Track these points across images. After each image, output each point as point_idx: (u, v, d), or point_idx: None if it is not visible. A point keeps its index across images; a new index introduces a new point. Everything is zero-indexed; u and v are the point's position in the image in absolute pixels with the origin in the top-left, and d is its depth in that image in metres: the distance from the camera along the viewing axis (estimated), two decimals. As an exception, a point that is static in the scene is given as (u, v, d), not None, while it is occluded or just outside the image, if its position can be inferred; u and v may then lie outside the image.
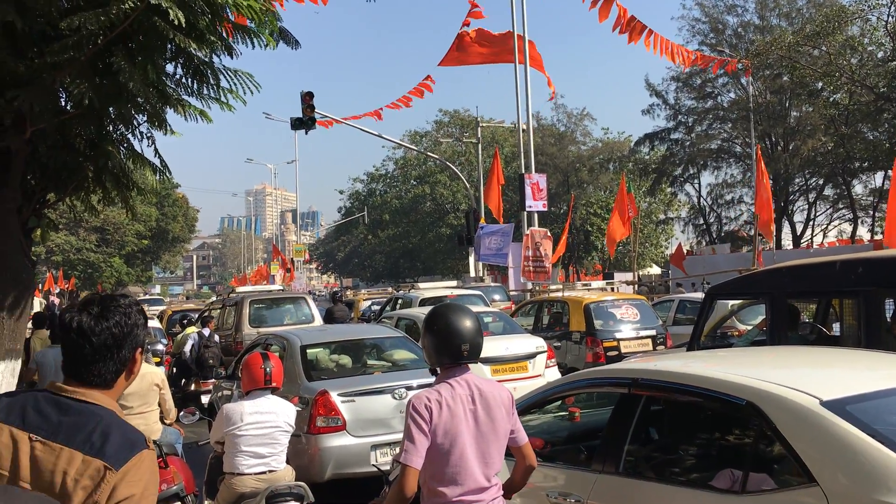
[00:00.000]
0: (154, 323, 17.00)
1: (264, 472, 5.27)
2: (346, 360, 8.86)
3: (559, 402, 5.09)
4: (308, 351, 8.65)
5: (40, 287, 49.51)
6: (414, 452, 3.16)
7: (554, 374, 10.87)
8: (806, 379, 3.59)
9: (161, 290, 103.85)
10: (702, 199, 47.19)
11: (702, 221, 47.28)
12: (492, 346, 10.55)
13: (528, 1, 23.88)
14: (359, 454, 7.46)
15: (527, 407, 4.58)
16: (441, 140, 53.76)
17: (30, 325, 15.51)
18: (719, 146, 43.84)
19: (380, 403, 7.67)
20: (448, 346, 3.34)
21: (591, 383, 4.46)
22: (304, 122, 24.50)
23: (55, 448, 1.99)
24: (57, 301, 49.86)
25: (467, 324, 3.37)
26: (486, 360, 10.26)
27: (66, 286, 56.47)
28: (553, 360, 10.98)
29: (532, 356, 10.66)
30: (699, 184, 47.13)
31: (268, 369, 5.38)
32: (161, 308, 33.25)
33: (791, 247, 41.31)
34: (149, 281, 78.70)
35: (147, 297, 59.40)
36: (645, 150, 48.29)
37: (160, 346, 15.51)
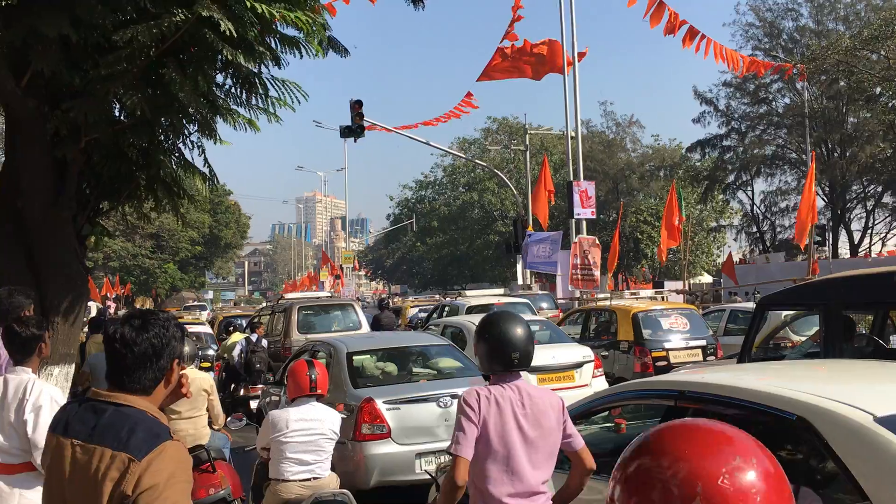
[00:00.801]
0: (205, 328, 17.29)
1: (309, 479, 5.31)
2: (391, 367, 8.88)
3: (606, 413, 5.02)
4: (354, 358, 8.70)
5: (98, 291, 50.83)
6: (465, 442, 3.22)
7: (601, 384, 10.75)
8: (859, 394, 3.47)
9: (214, 296, 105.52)
10: (755, 207, 46.33)
11: (755, 229, 46.39)
12: (538, 355, 10.33)
13: (577, 11, 23.78)
14: (404, 462, 7.46)
15: (573, 418, 4.53)
16: (489, 147, 53.72)
17: (85, 329, 15.92)
18: (773, 152, 42.98)
19: (425, 411, 7.67)
20: (499, 354, 3.39)
21: (636, 395, 4.39)
22: (354, 131, 24.72)
23: (90, 448, 2.14)
24: (113, 305, 51.14)
25: (518, 332, 3.44)
26: (533, 369, 10.18)
27: (123, 291, 57.86)
28: (600, 369, 10.86)
29: (579, 365, 10.57)
30: (752, 191, 46.31)
31: (313, 376, 5.42)
32: (205, 312, 34.22)
33: (848, 255, 40.26)
34: (202, 287, 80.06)
35: (196, 302, 60.94)
36: (696, 157, 47.58)
37: (210, 352, 15.75)
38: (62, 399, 4.05)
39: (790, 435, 3.61)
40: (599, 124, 54.62)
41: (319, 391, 5.47)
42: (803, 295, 7.03)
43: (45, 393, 3.91)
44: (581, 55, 24.33)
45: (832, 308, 6.25)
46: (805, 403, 3.30)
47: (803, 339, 9.10)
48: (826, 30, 38.80)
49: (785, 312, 8.51)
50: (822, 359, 5.94)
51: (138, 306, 57.24)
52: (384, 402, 7.67)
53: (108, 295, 51.63)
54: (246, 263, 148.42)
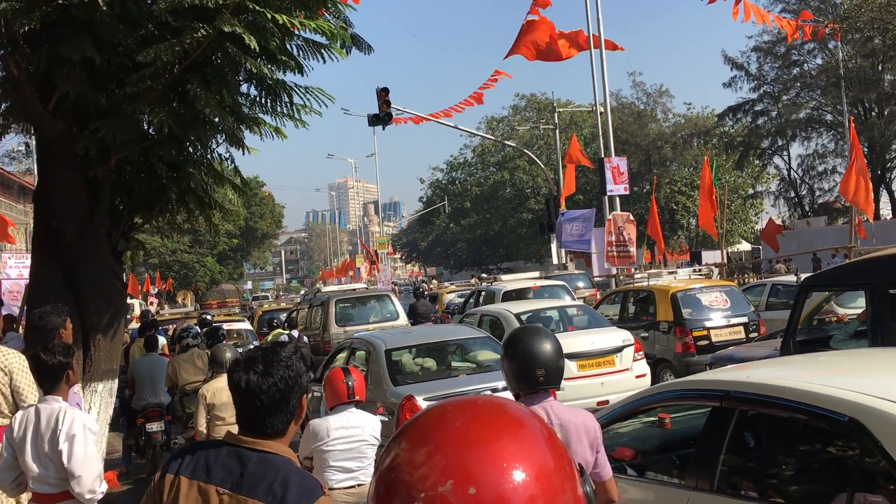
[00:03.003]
0: (245, 325, 17.44)
1: (353, 487, 5.31)
2: (430, 363, 8.87)
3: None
4: (393, 355, 8.70)
5: (140, 288, 51.67)
6: None
7: (642, 368, 10.65)
8: (915, 390, 3.36)
9: (252, 286, 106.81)
10: (792, 172, 45.46)
11: (793, 194, 45.54)
12: (577, 342, 10.41)
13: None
14: (447, 460, 7.45)
15: (611, 420, 4.48)
16: (517, 126, 53.31)
17: (130, 330, 16.13)
18: (809, 115, 42.05)
19: (466, 407, 7.64)
20: (524, 372, 3.26)
21: (679, 395, 4.31)
22: (381, 118, 24.66)
23: (241, 500, 2.12)
24: (155, 301, 51.94)
25: (545, 348, 3.29)
26: (572, 356, 10.09)
27: (164, 287, 58.79)
28: (641, 352, 10.74)
29: (619, 350, 10.46)
30: (788, 155, 45.41)
31: (350, 383, 5.41)
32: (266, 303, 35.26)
33: (890, 216, 39.39)
34: (240, 278, 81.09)
35: (255, 299, 62.84)
36: (729, 123, 46.73)
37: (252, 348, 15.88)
38: (95, 426, 4.09)
39: (842, 436, 3.52)
40: (629, 95, 53.65)
41: (357, 397, 5.46)
42: (847, 275, 6.86)
43: (77, 421, 3.94)
44: (610, 43, 23.95)
45: (879, 287, 6.08)
46: (856, 404, 3.21)
47: (849, 312, 8.89)
48: (859, -14, 37.69)
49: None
50: (871, 346, 5.78)
51: (180, 301, 58.16)
52: (425, 399, 7.66)
53: (150, 291, 52.49)
54: (282, 252, 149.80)
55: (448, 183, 66.70)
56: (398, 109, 26.97)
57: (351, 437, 5.34)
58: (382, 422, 6.93)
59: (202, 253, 62.24)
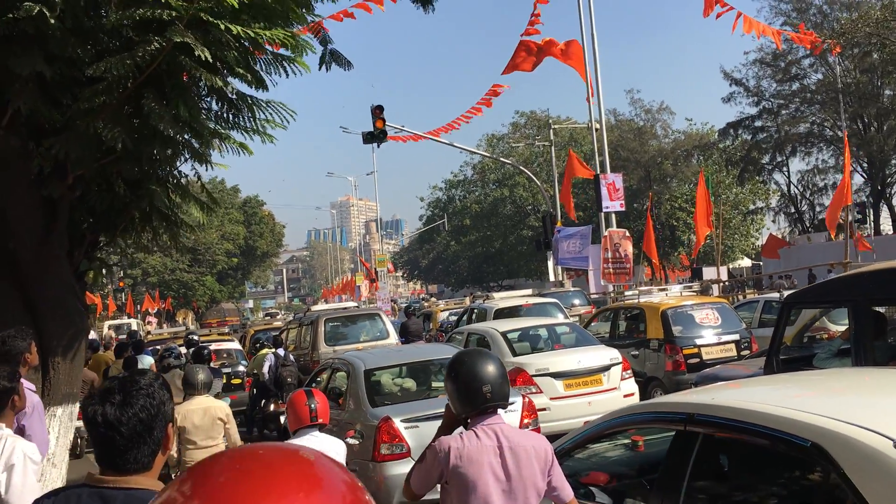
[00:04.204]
0: (234, 345, 17.27)
1: (315, 513, 5.13)
2: (410, 383, 8.71)
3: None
4: (372, 375, 8.53)
5: (138, 308, 51.57)
6: (413, 476, 3.29)
7: (630, 386, 10.46)
8: (883, 414, 3.19)
9: (254, 305, 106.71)
10: (792, 187, 45.30)
11: (793, 210, 45.37)
12: (563, 360, 10.23)
13: (596, 2, 23.38)
14: (424, 482, 7.27)
15: (577, 444, 4.30)
16: (514, 144, 53.27)
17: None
18: (808, 130, 41.99)
19: (445, 429, 7.46)
20: (470, 391, 3.22)
21: (645, 418, 4.13)
22: (376, 136, 24.61)
23: None
24: (154, 321, 51.78)
25: (489, 368, 3.26)
26: (558, 375, 9.94)
27: (164, 306, 58.72)
28: (629, 371, 10.55)
29: (606, 368, 10.27)
30: (788, 171, 45.29)
31: (312, 406, 5.24)
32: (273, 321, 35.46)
33: (891, 231, 39.18)
34: (242, 296, 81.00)
35: (267, 315, 63.24)
36: (729, 139, 46.68)
37: (241, 368, 15.72)
38: (37, 455, 3.91)
39: (805, 462, 3.34)
40: (627, 112, 53.68)
41: (321, 420, 5.29)
42: (831, 291, 6.69)
43: (17, 450, 3.76)
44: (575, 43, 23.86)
45: (861, 303, 5.91)
46: (819, 428, 3.04)
47: (841, 328, 8.70)
48: (856, 2, 37.71)
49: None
50: (854, 365, 5.60)
51: (180, 320, 58.06)
52: (402, 421, 7.49)
53: (150, 310, 52.40)
54: (284, 271, 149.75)
55: (448, 201, 66.66)
56: (395, 127, 26.94)
57: (313, 463, 5.17)
58: (351, 445, 6.76)
59: (202, 272, 62.12)
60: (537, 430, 7.71)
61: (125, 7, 4.72)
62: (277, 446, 1.11)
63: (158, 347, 16.24)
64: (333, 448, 5.29)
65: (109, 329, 36.22)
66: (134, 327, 34.92)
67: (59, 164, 5.33)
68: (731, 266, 44.07)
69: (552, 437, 4.72)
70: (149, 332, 36.35)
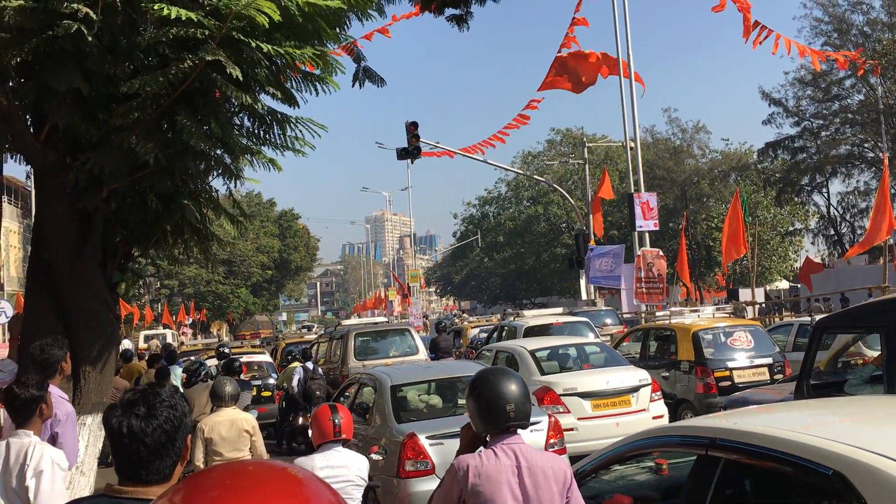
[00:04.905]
0: (265, 357, 17.40)
1: (336, 529, 5.14)
2: (436, 400, 8.69)
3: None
4: (399, 391, 8.54)
5: (174, 319, 52.25)
6: (434, 499, 3.31)
7: (659, 408, 10.33)
8: (909, 442, 3.12)
9: (287, 318, 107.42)
10: (832, 209, 44.58)
11: (832, 232, 44.62)
12: (592, 380, 10.14)
13: (633, 19, 23.35)
14: (448, 499, 7.24)
15: (598, 466, 4.26)
16: (549, 162, 53.18)
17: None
18: (849, 152, 41.32)
19: (469, 446, 7.44)
20: (492, 409, 3.20)
21: (665, 442, 4.09)
22: (410, 152, 24.75)
23: None
24: (189, 331, 52.41)
25: (512, 387, 3.25)
26: (586, 395, 9.85)
27: (199, 317, 59.43)
28: (658, 393, 10.42)
29: (635, 389, 10.15)
30: (828, 192, 44.59)
31: (336, 421, 5.26)
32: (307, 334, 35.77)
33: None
34: (275, 309, 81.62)
35: (303, 327, 63.70)
36: (768, 161, 46.14)
37: (271, 381, 15.82)
38: (65, 462, 3.99)
39: (827, 491, 3.28)
40: (665, 131, 53.28)
41: (345, 436, 5.31)
42: (863, 316, 6.57)
43: (46, 456, 3.84)
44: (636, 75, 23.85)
45: (893, 330, 5.79)
46: (841, 456, 2.98)
47: (877, 353, 8.53)
48: (898, 22, 37.21)
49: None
50: (886, 392, 5.49)
51: (214, 331, 58.70)
52: (427, 438, 7.48)
53: (184, 321, 53.08)
54: (318, 284, 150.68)
55: (481, 217, 66.68)
56: (429, 144, 27.07)
57: (336, 478, 5.17)
58: (374, 460, 6.77)
59: (236, 283, 62.77)
60: (563, 450, 7.65)
61: (160, 26, 4.83)
62: (267, 463, 1.13)
63: (192, 358, 16.43)
64: (356, 463, 5.30)
65: (146, 342, 36.57)
66: (169, 339, 35.39)
67: (94, 178, 5.46)
68: (768, 288, 43.39)
69: (578, 458, 4.69)
70: (182, 343, 36.78)
